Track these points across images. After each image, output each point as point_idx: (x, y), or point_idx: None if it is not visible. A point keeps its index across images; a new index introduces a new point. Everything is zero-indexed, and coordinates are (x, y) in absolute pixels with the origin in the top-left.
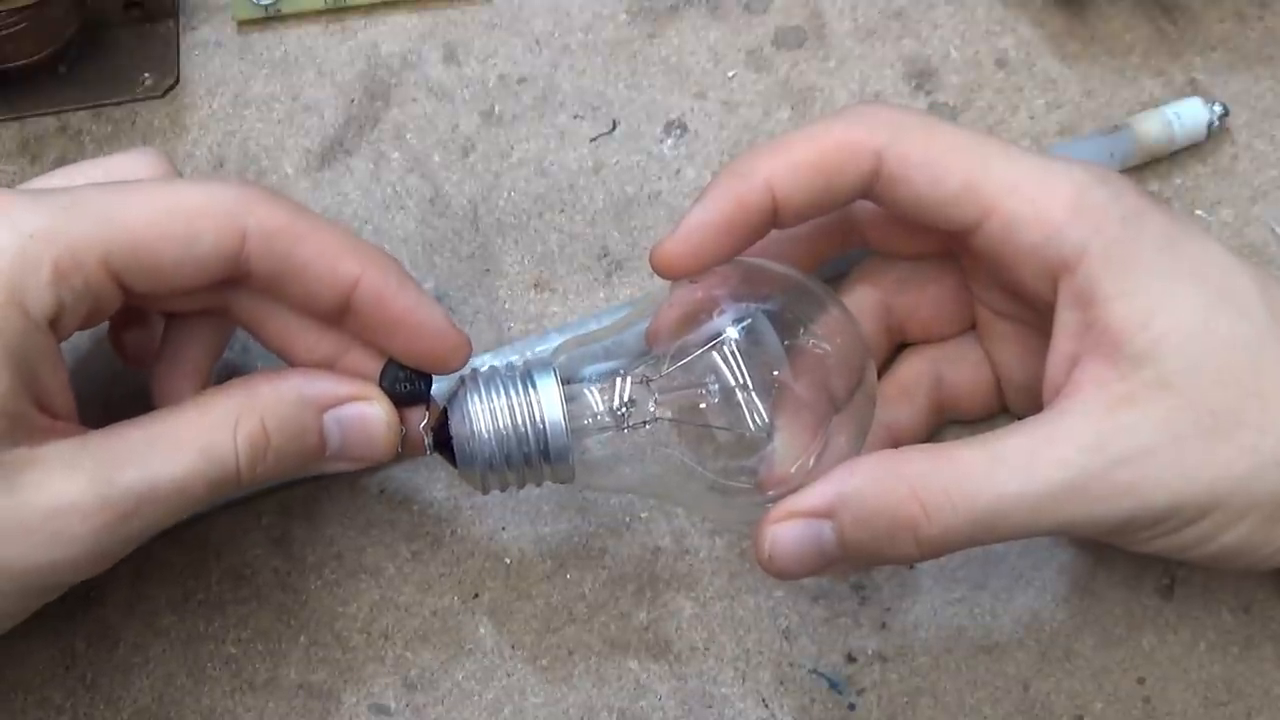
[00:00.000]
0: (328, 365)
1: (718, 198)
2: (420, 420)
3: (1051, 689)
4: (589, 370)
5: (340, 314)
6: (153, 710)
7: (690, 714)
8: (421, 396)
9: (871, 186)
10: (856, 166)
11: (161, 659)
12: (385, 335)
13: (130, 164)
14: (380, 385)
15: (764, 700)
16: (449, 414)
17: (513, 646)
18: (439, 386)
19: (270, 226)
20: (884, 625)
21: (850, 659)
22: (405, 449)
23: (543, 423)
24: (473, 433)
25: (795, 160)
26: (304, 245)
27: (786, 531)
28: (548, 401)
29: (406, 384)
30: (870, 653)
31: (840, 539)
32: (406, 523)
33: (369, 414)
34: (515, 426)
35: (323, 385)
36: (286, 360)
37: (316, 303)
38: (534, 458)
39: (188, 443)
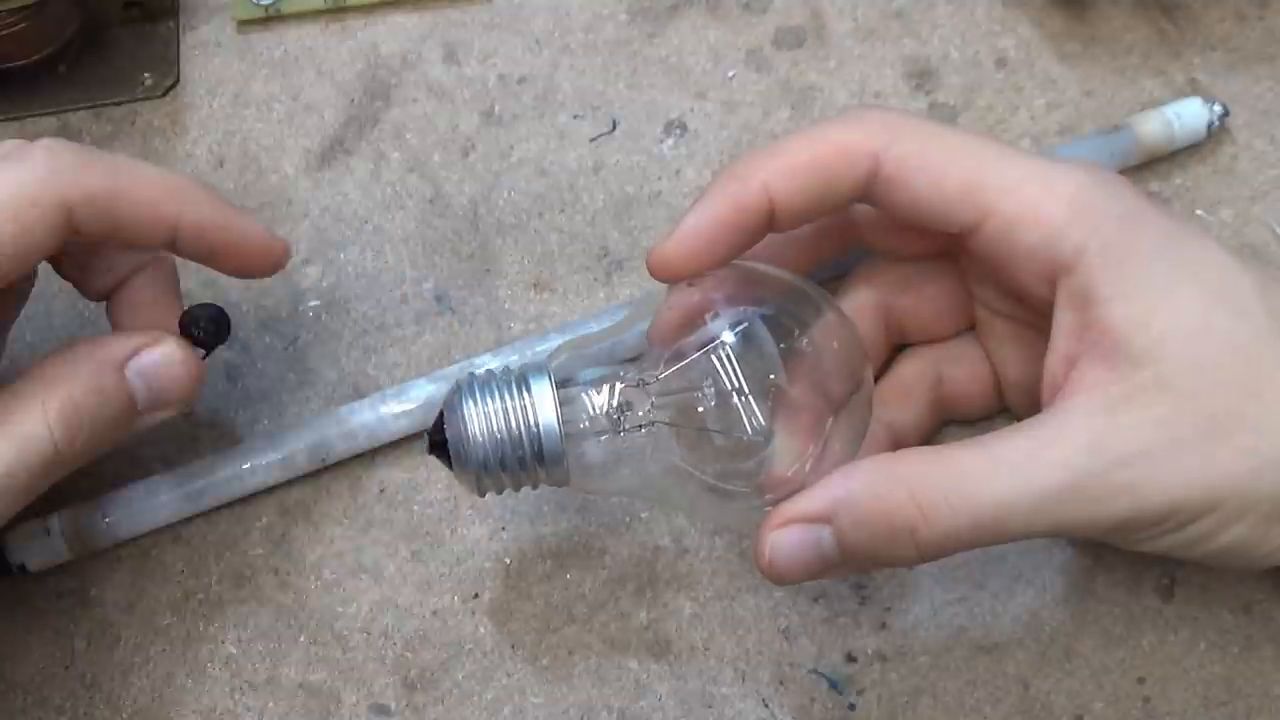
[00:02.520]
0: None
1: (714, 201)
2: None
3: (1051, 689)
4: (585, 373)
5: (172, 247)
6: (153, 710)
7: (690, 714)
8: (219, 340)
9: (869, 190)
10: (854, 170)
11: (161, 659)
12: (213, 261)
13: None
14: (180, 328)
15: (764, 700)
16: (444, 416)
17: (513, 646)
18: (436, 389)
19: (90, 191)
20: (884, 625)
21: (850, 659)
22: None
23: (537, 426)
24: (468, 435)
25: (792, 164)
26: (123, 201)
27: (786, 537)
28: (542, 405)
29: (202, 330)
30: (870, 653)
31: (839, 543)
32: (406, 523)
33: (164, 354)
34: (510, 430)
35: (112, 344)
36: None
37: (146, 246)
38: (529, 461)
39: (1, 434)
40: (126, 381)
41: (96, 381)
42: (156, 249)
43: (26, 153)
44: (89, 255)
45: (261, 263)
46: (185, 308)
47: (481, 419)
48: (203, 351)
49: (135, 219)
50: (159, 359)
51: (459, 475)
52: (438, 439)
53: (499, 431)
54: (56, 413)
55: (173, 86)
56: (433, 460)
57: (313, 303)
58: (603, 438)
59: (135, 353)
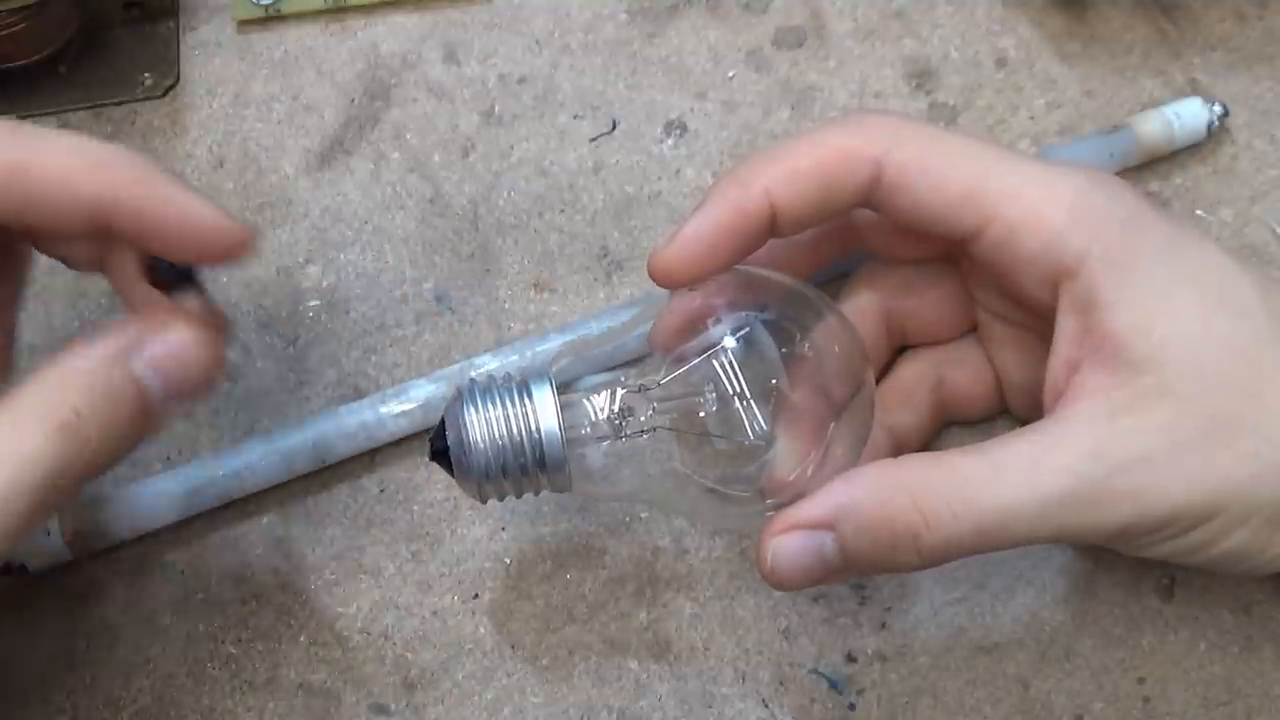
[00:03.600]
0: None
1: (716, 207)
2: (196, 305)
3: (1051, 689)
4: (586, 379)
5: (106, 231)
6: (153, 710)
7: (690, 714)
8: (191, 277)
9: (871, 195)
10: (855, 175)
11: (161, 659)
12: (156, 245)
13: None
14: (148, 280)
15: (764, 700)
16: (445, 423)
17: (513, 646)
18: (436, 389)
19: None
20: (884, 625)
21: (850, 659)
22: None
23: (538, 433)
24: (469, 443)
25: (794, 169)
26: (32, 175)
27: (788, 543)
28: (543, 411)
29: (172, 271)
30: (870, 653)
31: (842, 550)
32: (406, 523)
33: (176, 340)
34: (511, 437)
35: (113, 337)
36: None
37: (69, 228)
38: (530, 468)
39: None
40: (136, 377)
41: (101, 383)
42: (84, 231)
43: None
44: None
45: (216, 246)
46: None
47: (483, 426)
48: (195, 293)
49: (50, 196)
50: (170, 346)
51: (461, 482)
52: (439, 446)
53: (501, 438)
54: (57, 426)
55: (173, 86)
56: (432, 462)
57: (313, 303)
58: (604, 443)
59: (141, 341)
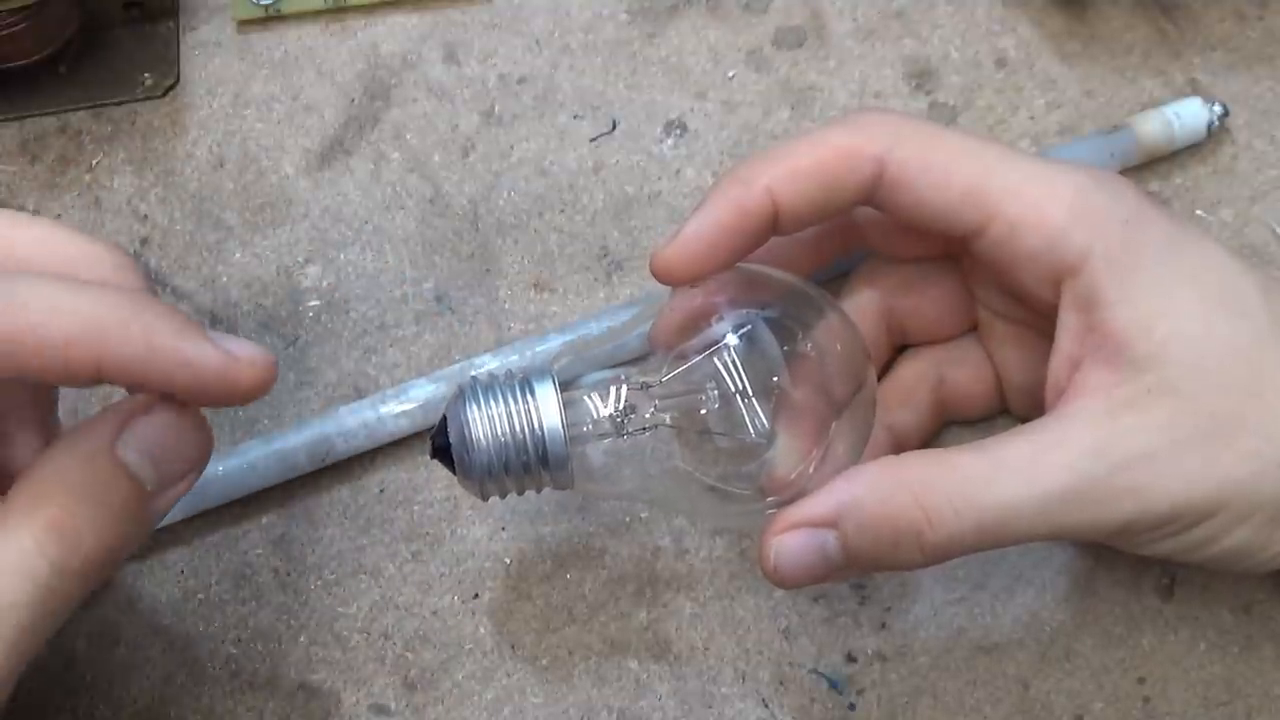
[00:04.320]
0: None
1: (718, 205)
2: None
3: (1051, 689)
4: (588, 376)
5: (97, 383)
6: (153, 710)
7: (690, 714)
8: None
9: (873, 193)
10: (857, 174)
11: (161, 659)
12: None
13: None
14: None
15: (764, 700)
16: (447, 421)
17: (513, 646)
18: (436, 389)
19: None
20: (884, 625)
21: (850, 659)
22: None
23: (541, 430)
24: (471, 441)
25: (796, 167)
26: (25, 343)
27: (790, 542)
28: (546, 409)
29: None
30: (870, 653)
31: (844, 548)
32: (406, 523)
33: (162, 419)
34: (513, 434)
35: (94, 425)
36: None
37: (68, 385)
38: (532, 465)
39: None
40: (124, 464)
41: (87, 476)
42: (83, 384)
43: None
44: None
45: (225, 394)
46: None
47: (485, 423)
48: None
49: (44, 367)
50: (157, 425)
51: (462, 480)
52: (440, 443)
53: (503, 436)
54: (44, 527)
55: (173, 86)
56: (433, 460)
57: (313, 303)
58: (606, 440)
59: (124, 426)
